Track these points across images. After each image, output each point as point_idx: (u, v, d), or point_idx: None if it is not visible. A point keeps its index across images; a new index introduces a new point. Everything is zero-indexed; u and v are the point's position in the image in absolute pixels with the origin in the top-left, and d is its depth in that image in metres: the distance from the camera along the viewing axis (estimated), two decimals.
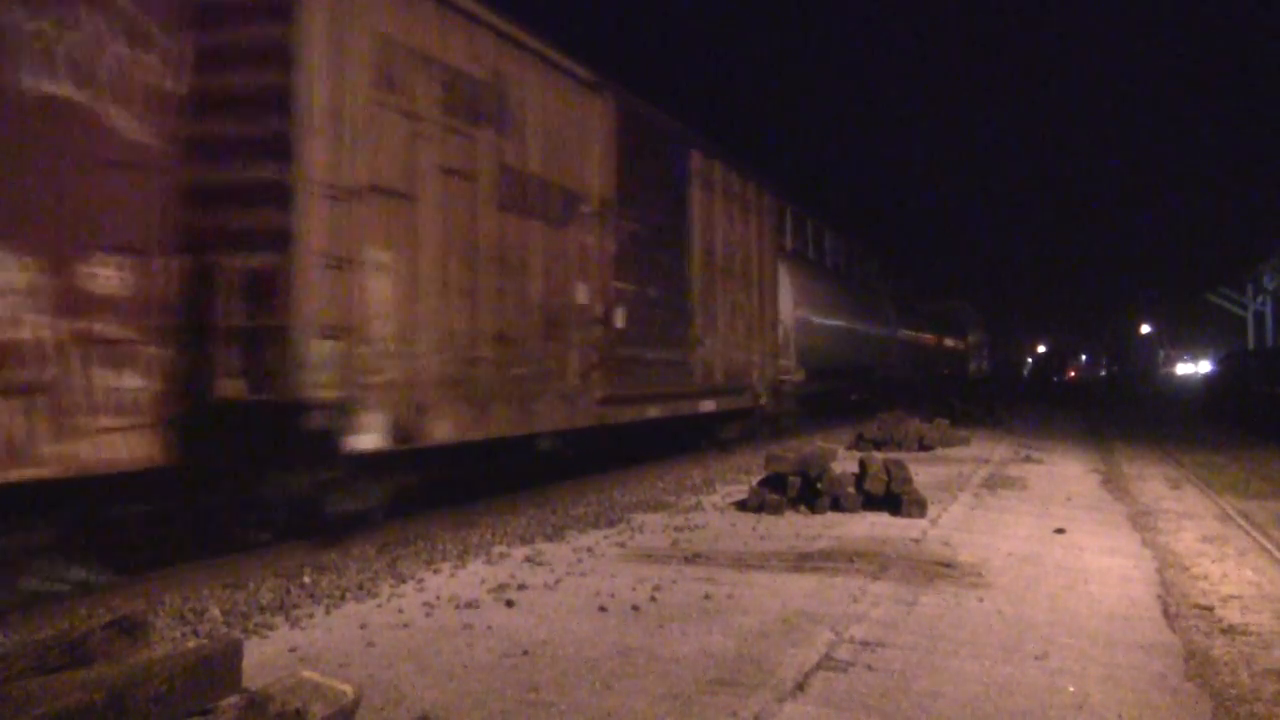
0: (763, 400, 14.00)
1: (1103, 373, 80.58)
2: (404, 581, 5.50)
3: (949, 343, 38.27)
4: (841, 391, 21.93)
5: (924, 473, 10.24)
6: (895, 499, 7.81)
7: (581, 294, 8.94)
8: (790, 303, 16.77)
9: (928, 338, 33.13)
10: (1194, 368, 70.58)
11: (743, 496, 8.51)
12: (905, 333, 27.75)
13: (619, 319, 9.60)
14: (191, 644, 4.24)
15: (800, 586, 5.39)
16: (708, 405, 11.96)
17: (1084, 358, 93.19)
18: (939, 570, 5.82)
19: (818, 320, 19.06)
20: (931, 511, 7.81)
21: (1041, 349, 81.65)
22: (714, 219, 12.33)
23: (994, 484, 10.02)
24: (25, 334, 4.70)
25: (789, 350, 16.44)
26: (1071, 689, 3.81)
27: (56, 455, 4.84)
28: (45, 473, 4.81)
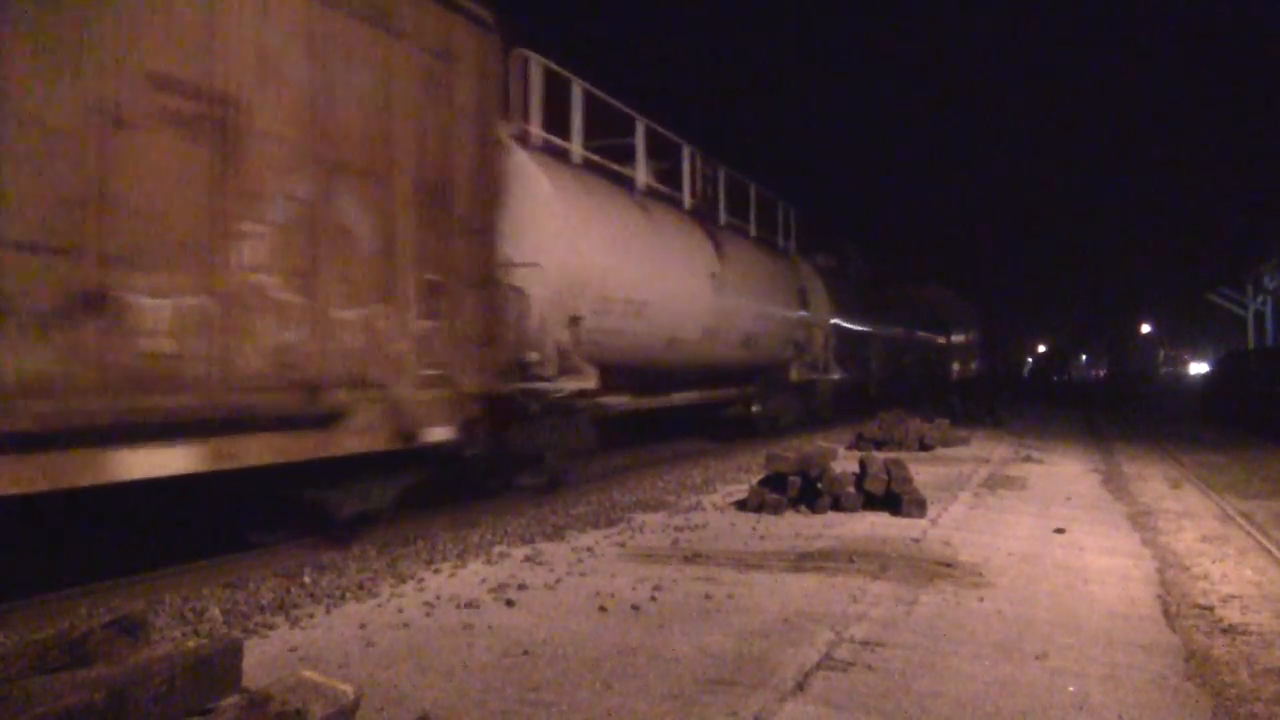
0: (437, 435, 6.92)
1: (1100, 372, 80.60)
2: (404, 581, 5.50)
3: (924, 338, 30.58)
4: (710, 406, 14.38)
5: (924, 472, 10.24)
6: (895, 499, 7.81)
7: None
8: (560, 245, 9.27)
9: (892, 331, 26.23)
10: (1205, 367, 70.71)
11: (743, 496, 8.51)
12: (843, 322, 20.32)
13: None
14: (191, 644, 4.25)
15: (800, 586, 5.39)
16: (147, 462, 4.89)
17: (1084, 358, 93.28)
18: (939, 570, 5.82)
19: (632, 284, 10.57)
20: (931, 511, 7.81)
21: (1042, 349, 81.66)
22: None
23: (994, 484, 10.02)
24: None
25: (547, 335, 9.10)
26: (1071, 689, 3.81)
27: None
28: None
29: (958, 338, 38.56)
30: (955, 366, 37.50)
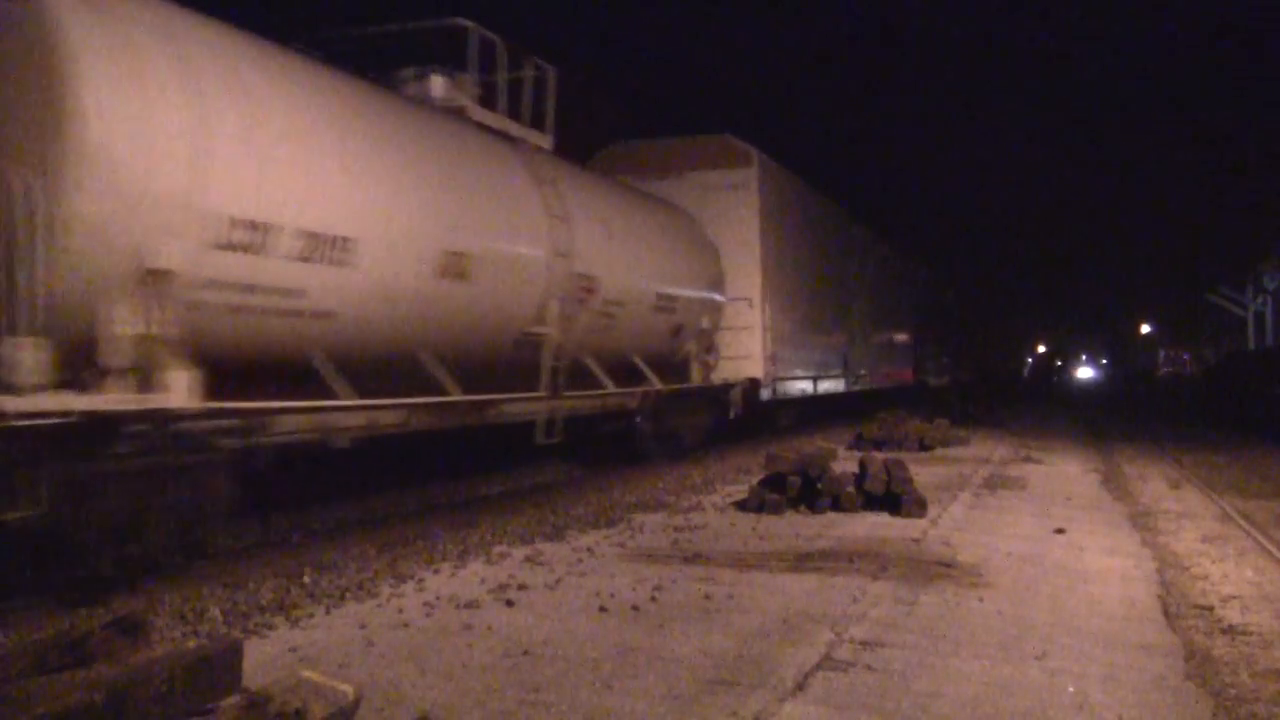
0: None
1: (1095, 373, 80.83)
2: (404, 581, 5.50)
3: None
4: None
5: (924, 473, 10.24)
6: (895, 499, 7.80)
7: None
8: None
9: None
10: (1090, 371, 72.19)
11: (743, 496, 8.51)
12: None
13: None
14: (191, 644, 4.25)
15: (800, 586, 5.39)
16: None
17: (1084, 357, 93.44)
18: (939, 570, 5.82)
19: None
20: (931, 511, 7.81)
21: (1041, 349, 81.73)
22: None
23: (994, 484, 10.02)
24: None
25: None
26: (1071, 689, 3.81)
27: None
28: None
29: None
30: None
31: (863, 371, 20.96)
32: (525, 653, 4.15)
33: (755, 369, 14.33)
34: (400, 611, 4.85)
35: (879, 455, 10.42)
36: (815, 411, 18.85)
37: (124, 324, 5.31)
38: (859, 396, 20.86)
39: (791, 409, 17.40)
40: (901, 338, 25.87)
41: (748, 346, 14.33)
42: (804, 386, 16.98)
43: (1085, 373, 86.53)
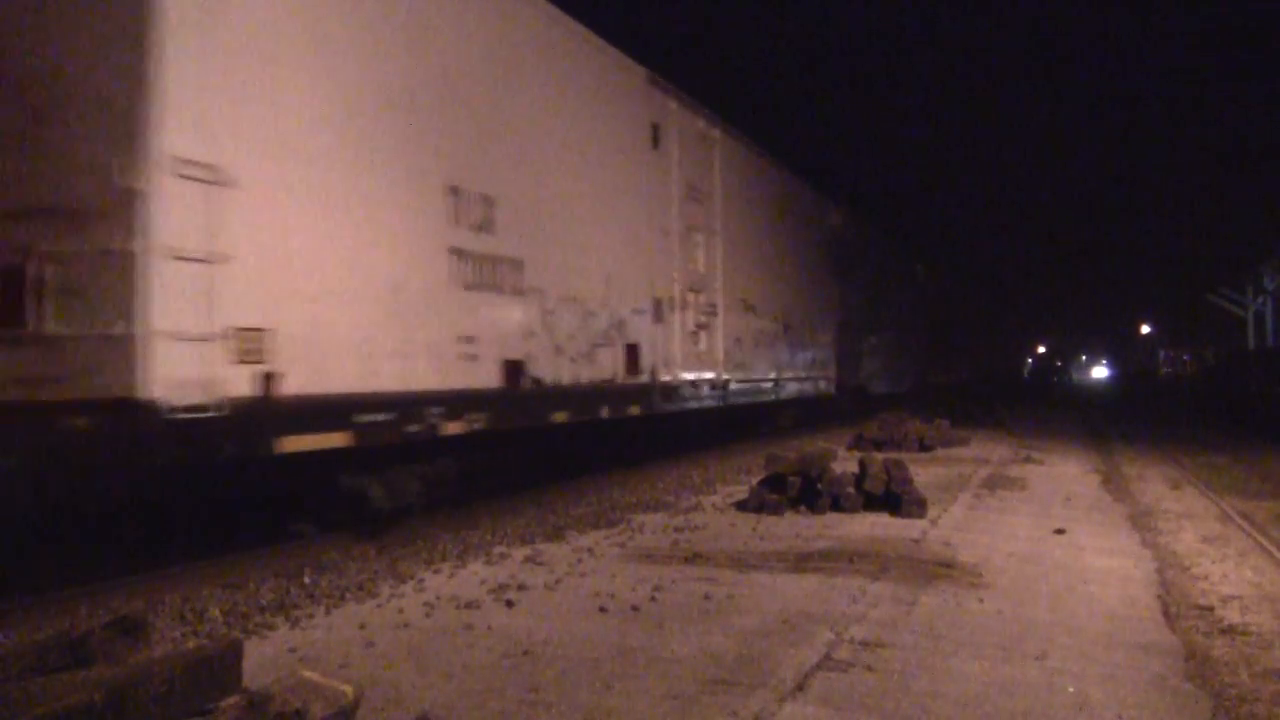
0: None
1: (1110, 372, 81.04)
2: (404, 581, 5.50)
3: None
4: None
5: (924, 473, 10.24)
6: (895, 499, 7.81)
7: None
8: None
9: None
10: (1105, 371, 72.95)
11: (743, 496, 8.51)
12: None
13: None
14: (191, 644, 4.26)
15: (800, 587, 5.39)
16: None
17: (1084, 358, 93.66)
18: (939, 570, 5.82)
19: None
20: (931, 512, 7.81)
21: (1041, 349, 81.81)
22: None
23: (994, 484, 10.02)
24: None
25: None
26: (1071, 689, 3.81)
27: None
28: None
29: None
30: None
31: (702, 377, 11.74)
32: (525, 653, 4.15)
33: (124, 371, 4.90)
34: (400, 611, 4.85)
35: (879, 455, 10.42)
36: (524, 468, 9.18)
37: None
38: (694, 426, 12.57)
39: (407, 478, 7.18)
40: (816, 328, 16.92)
41: (112, 313, 4.93)
42: (463, 421, 7.25)
43: (1100, 372, 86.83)
